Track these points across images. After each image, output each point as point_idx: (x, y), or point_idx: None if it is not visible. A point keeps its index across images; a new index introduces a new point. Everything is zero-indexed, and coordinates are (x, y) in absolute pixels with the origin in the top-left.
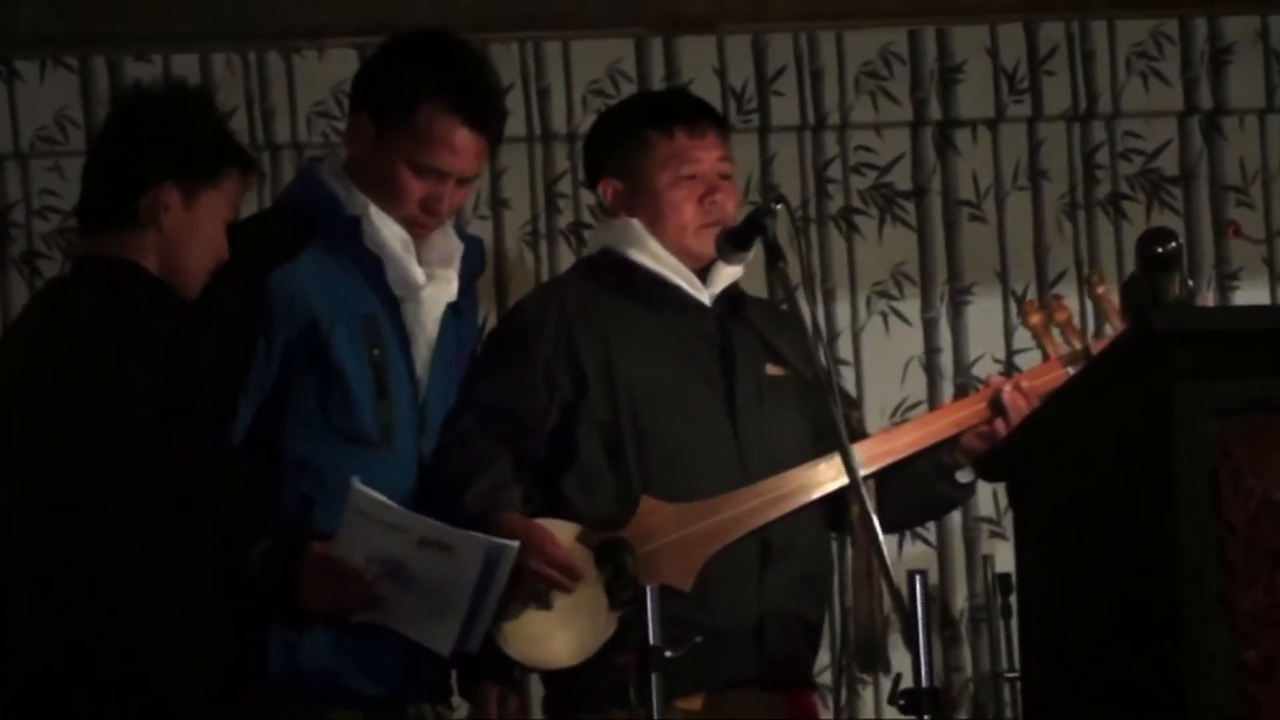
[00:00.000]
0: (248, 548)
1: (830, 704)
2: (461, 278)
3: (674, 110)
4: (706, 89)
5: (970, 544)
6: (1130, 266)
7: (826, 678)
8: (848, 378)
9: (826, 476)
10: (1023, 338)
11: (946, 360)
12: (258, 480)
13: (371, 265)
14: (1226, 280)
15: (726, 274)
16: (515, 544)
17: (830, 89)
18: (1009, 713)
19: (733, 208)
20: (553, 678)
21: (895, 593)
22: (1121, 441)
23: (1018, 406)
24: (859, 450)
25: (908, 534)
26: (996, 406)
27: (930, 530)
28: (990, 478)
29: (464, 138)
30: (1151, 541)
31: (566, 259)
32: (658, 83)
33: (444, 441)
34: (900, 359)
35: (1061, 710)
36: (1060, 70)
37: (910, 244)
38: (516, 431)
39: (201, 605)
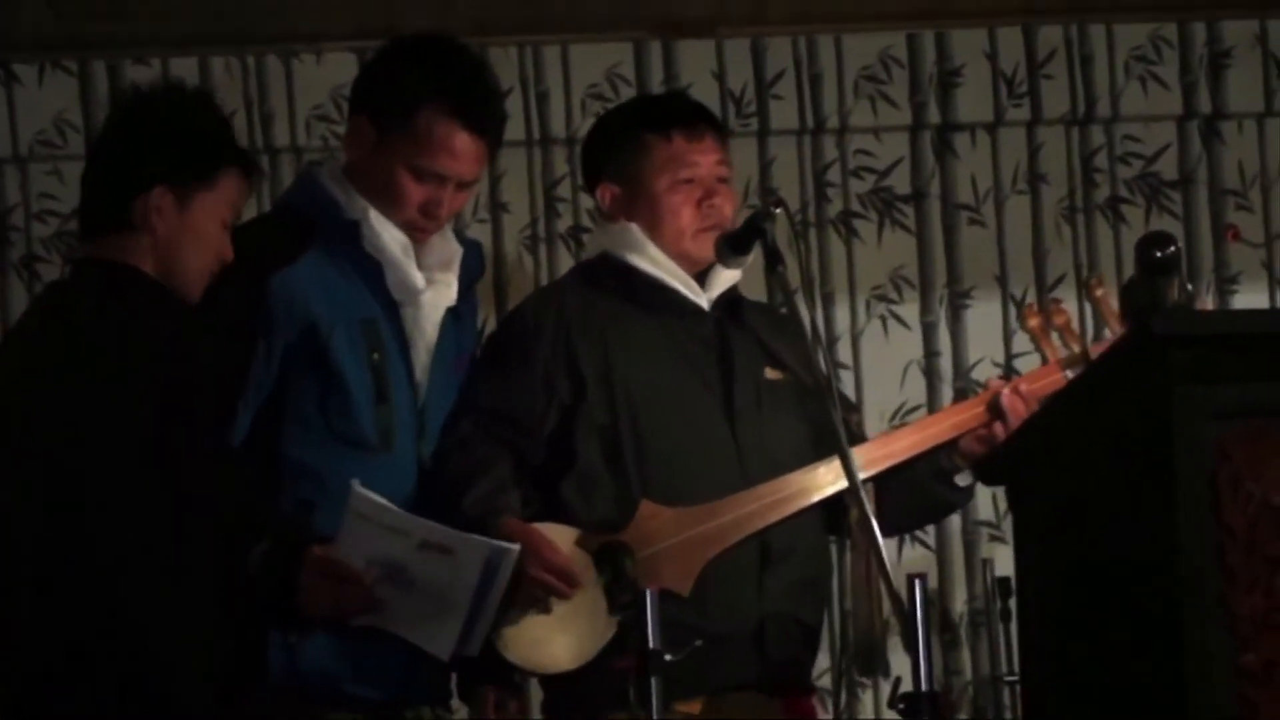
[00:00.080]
0: (247, 550)
1: (830, 707)
2: (461, 282)
3: (672, 114)
4: (705, 93)
5: (970, 547)
6: (1129, 270)
7: (826, 681)
8: (847, 381)
9: (825, 480)
10: (1022, 341)
11: (946, 364)
12: (257, 483)
13: (371, 269)
14: (1225, 284)
15: (725, 278)
16: (516, 547)
17: (829, 93)
18: (1009, 716)
19: (731, 211)
20: (552, 681)
21: (895, 596)
22: (1121, 445)
23: (1016, 410)
24: (858, 454)
25: (907, 537)
26: (995, 410)
27: (930, 534)
28: (990, 481)
29: (463, 142)
30: (1151, 545)
31: (565, 263)
32: (656, 86)
33: (443, 445)
34: (899, 363)
35: (1061, 714)
36: (1059, 74)
37: (909, 248)
38: (515, 435)
39: (201, 606)
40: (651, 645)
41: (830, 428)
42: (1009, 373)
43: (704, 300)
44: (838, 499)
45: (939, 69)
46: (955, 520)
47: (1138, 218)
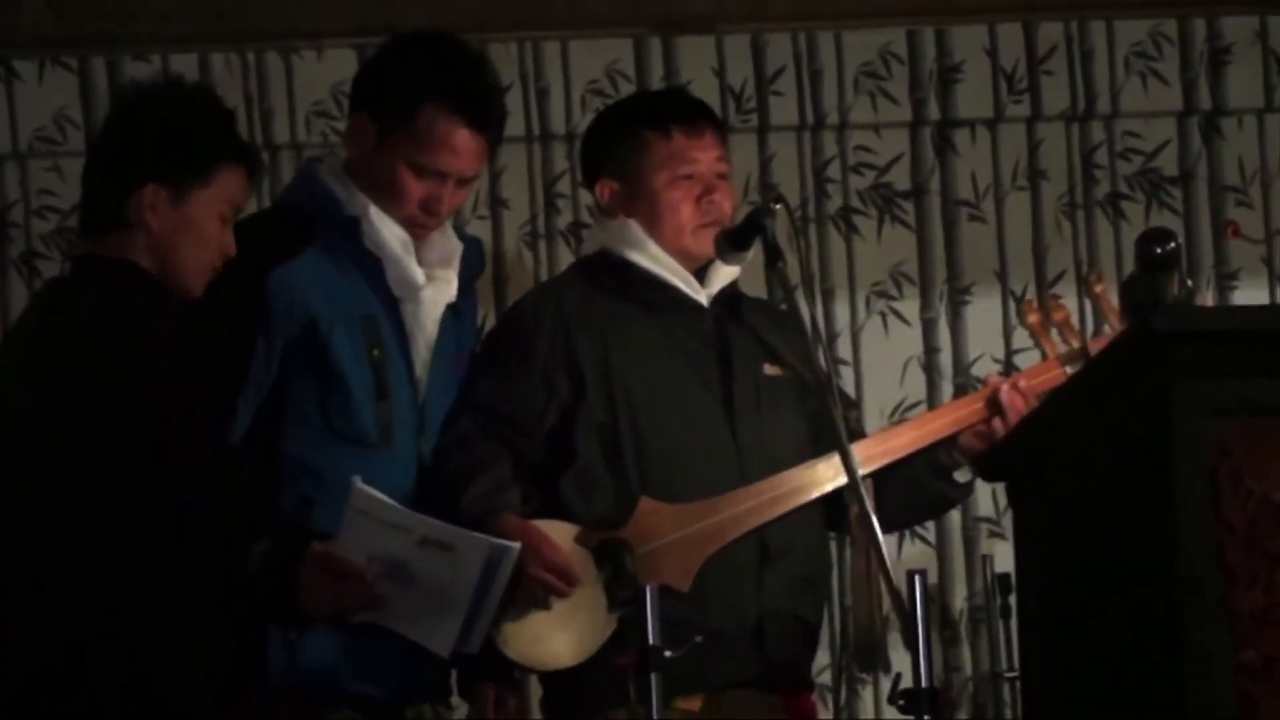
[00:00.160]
0: (247, 548)
1: (830, 704)
2: (461, 278)
3: (671, 110)
4: (705, 89)
5: (969, 544)
6: (1129, 266)
7: (826, 678)
8: (847, 378)
9: (824, 476)
10: (1022, 337)
11: (945, 360)
12: (257, 481)
13: (371, 266)
14: (1225, 280)
15: (724, 274)
16: (516, 545)
17: (829, 89)
18: (1008, 713)
19: (730, 208)
20: (552, 678)
21: (894, 593)
22: (1121, 442)
23: (1015, 406)
24: (857, 450)
25: (907, 534)
26: (994, 406)
27: (929, 530)
28: (989, 477)
29: (464, 139)
30: (1151, 542)
31: (565, 259)
32: (656, 83)
33: (442, 443)
34: (899, 359)
35: (1061, 710)
36: (1059, 70)
37: (909, 244)
38: (515, 433)
39: (201, 605)
40: (652, 642)
41: (830, 424)
42: (1009, 369)
43: (703, 297)
44: (837, 495)
45: (939, 65)
46: (955, 516)
47: (1138, 214)
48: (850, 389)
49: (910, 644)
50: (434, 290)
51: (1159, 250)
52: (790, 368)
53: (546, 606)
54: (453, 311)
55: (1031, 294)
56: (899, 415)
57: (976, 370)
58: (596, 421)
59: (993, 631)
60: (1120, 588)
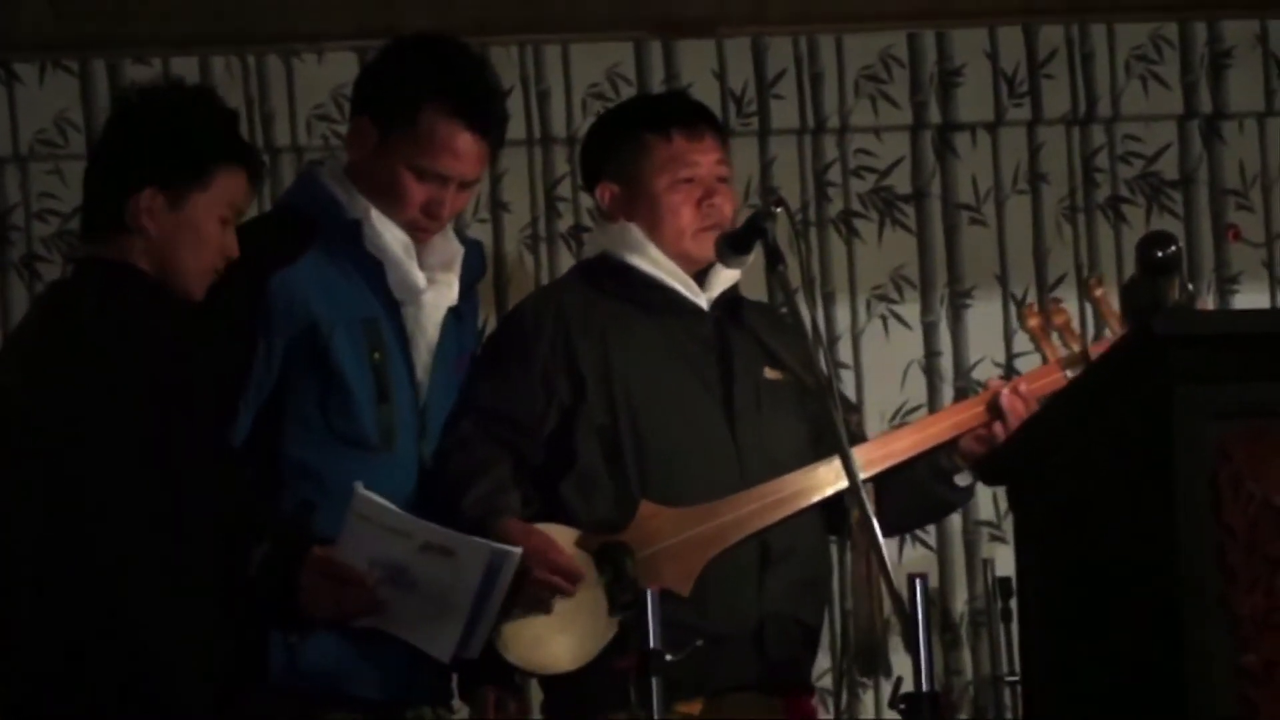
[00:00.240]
0: (248, 550)
1: (831, 707)
2: (462, 281)
3: (671, 113)
4: (706, 92)
5: (970, 547)
6: (1130, 270)
7: (827, 681)
8: (847, 381)
9: (825, 480)
10: (1023, 341)
11: (946, 363)
12: (258, 483)
13: (372, 269)
14: (1226, 284)
15: (724, 277)
16: (518, 550)
17: (830, 92)
18: (1009, 716)
19: (730, 211)
20: (552, 682)
21: (895, 596)
22: (1121, 445)
23: (1016, 410)
24: (857, 454)
25: (908, 537)
26: (995, 410)
27: (930, 534)
28: (990, 481)
29: (466, 142)
30: (1151, 545)
31: (566, 262)
32: (657, 86)
33: (443, 446)
34: (900, 362)
35: (1062, 714)
36: (1060, 74)
37: (910, 247)
38: (515, 435)
39: (201, 606)
40: (652, 645)
41: (831, 428)
42: (1010, 372)
43: (703, 300)
44: (838, 499)
45: (940, 68)
46: (956, 520)
47: (1138, 217)
48: (851, 392)
49: (911, 647)
50: (435, 293)
51: (1160, 254)
52: (790, 371)
53: (548, 610)
54: (454, 315)
55: (1032, 297)
56: (900, 419)
57: (977, 374)
58: (597, 424)
59: (993, 635)
60: (1121, 591)
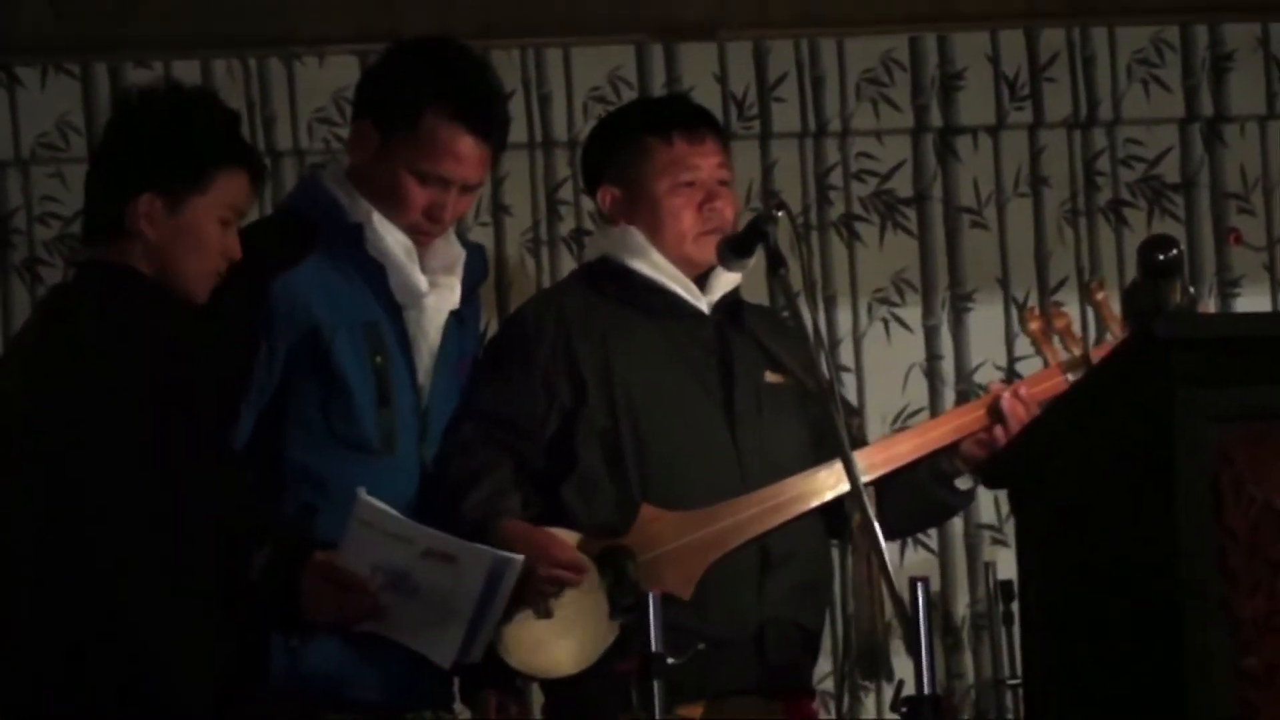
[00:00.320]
0: (250, 554)
1: (832, 711)
2: (464, 285)
3: (673, 117)
4: (707, 95)
5: (972, 551)
6: (1131, 273)
7: (828, 685)
8: (849, 385)
9: (826, 484)
10: (1024, 344)
11: (948, 367)
12: (260, 486)
13: (374, 272)
14: (1228, 287)
15: (725, 281)
16: (520, 558)
17: (831, 95)
18: (1011, 719)
19: (731, 215)
20: (553, 686)
21: (897, 599)
22: (1123, 448)
23: (1016, 414)
24: (859, 458)
25: (909, 541)
26: (996, 414)
27: (932, 537)
28: (992, 484)
29: (468, 146)
30: (1152, 548)
31: (568, 266)
32: (658, 89)
33: (444, 449)
34: (901, 366)
35: (1063, 717)
36: (1061, 77)
37: (911, 251)
38: (516, 439)
39: (201, 607)
40: (654, 648)
41: (832, 431)
42: (1011, 376)
43: (704, 304)
44: (838, 502)
45: (941, 72)
46: (957, 523)
47: (1140, 221)
48: (852, 396)
49: (912, 650)
50: (437, 297)
51: (1161, 257)
52: (792, 375)
53: (549, 614)
54: (456, 318)
55: (1034, 301)
56: (901, 422)
57: (979, 377)
58: (598, 427)
59: (995, 638)
60: (1122, 594)
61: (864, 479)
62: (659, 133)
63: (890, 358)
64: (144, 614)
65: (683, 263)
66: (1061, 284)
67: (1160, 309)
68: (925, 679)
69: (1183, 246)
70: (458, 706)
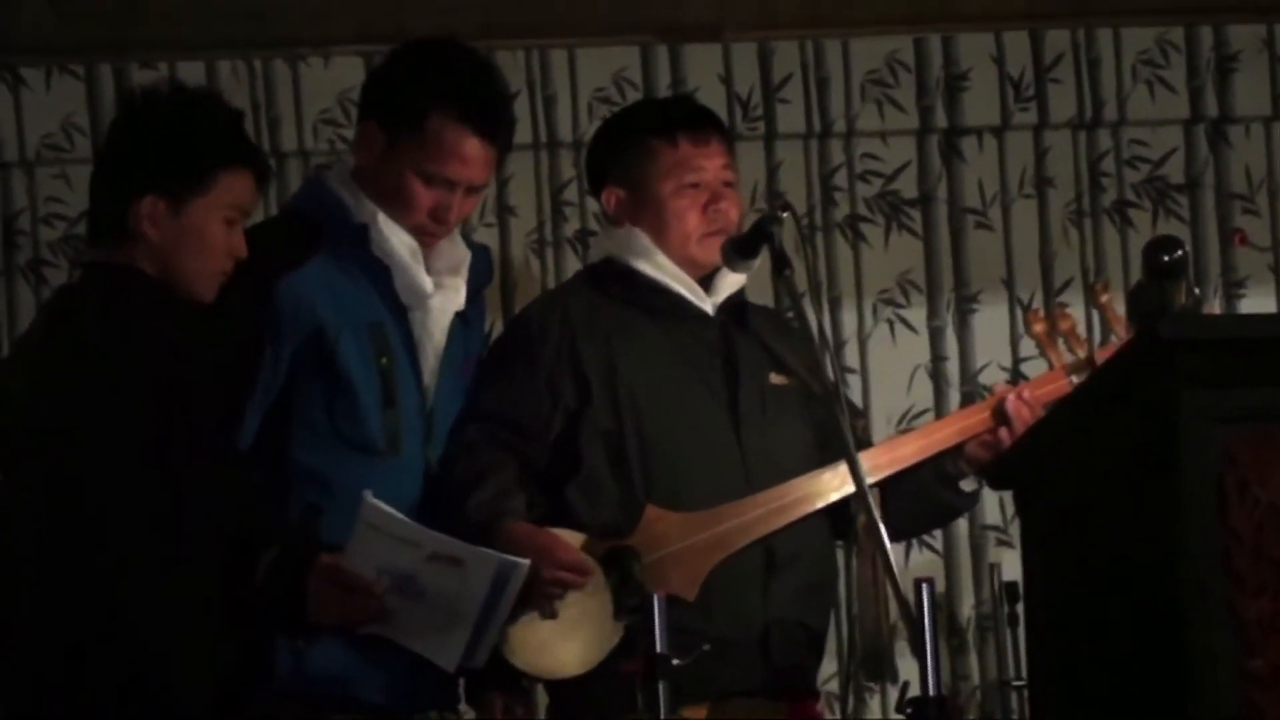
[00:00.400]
0: (255, 555)
1: (837, 712)
2: (469, 286)
3: (677, 118)
4: (712, 96)
5: (977, 552)
6: (1136, 274)
7: (833, 686)
8: (854, 386)
9: (831, 485)
10: (1029, 345)
11: (953, 368)
12: (265, 487)
13: (379, 273)
14: (1232, 288)
15: (730, 282)
16: (526, 563)
17: (836, 97)
18: None
19: (736, 216)
20: (558, 686)
21: (902, 601)
22: (1127, 449)
23: (1021, 416)
24: (864, 459)
25: (915, 542)
26: (1000, 416)
27: (937, 538)
28: (997, 485)
29: (473, 147)
30: (1157, 549)
31: (572, 267)
32: (663, 90)
33: (449, 450)
34: (906, 367)
35: (1068, 718)
36: (1066, 78)
37: (916, 252)
38: (520, 439)
39: (202, 606)
40: (659, 649)
41: (837, 433)
42: (1016, 377)
43: (709, 305)
44: (843, 503)
45: (946, 73)
46: (963, 525)
47: (1145, 222)
48: (857, 397)
49: (917, 652)
50: (442, 298)
51: (1166, 258)
52: (796, 376)
53: (555, 613)
54: (461, 319)
55: (1039, 302)
56: (906, 423)
57: (984, 378)
58: (602, 428)
59: (1000, 639)
60: (1127, 595)
61: (869, 480)
62: (664, 134)
63: (895, 359)
64: (144, 614)
65: (687, 264)
66: (1066, 285)
67: (1165, 310)
68: (930, 680)
69: (1187, 248)
70: (463, 708)
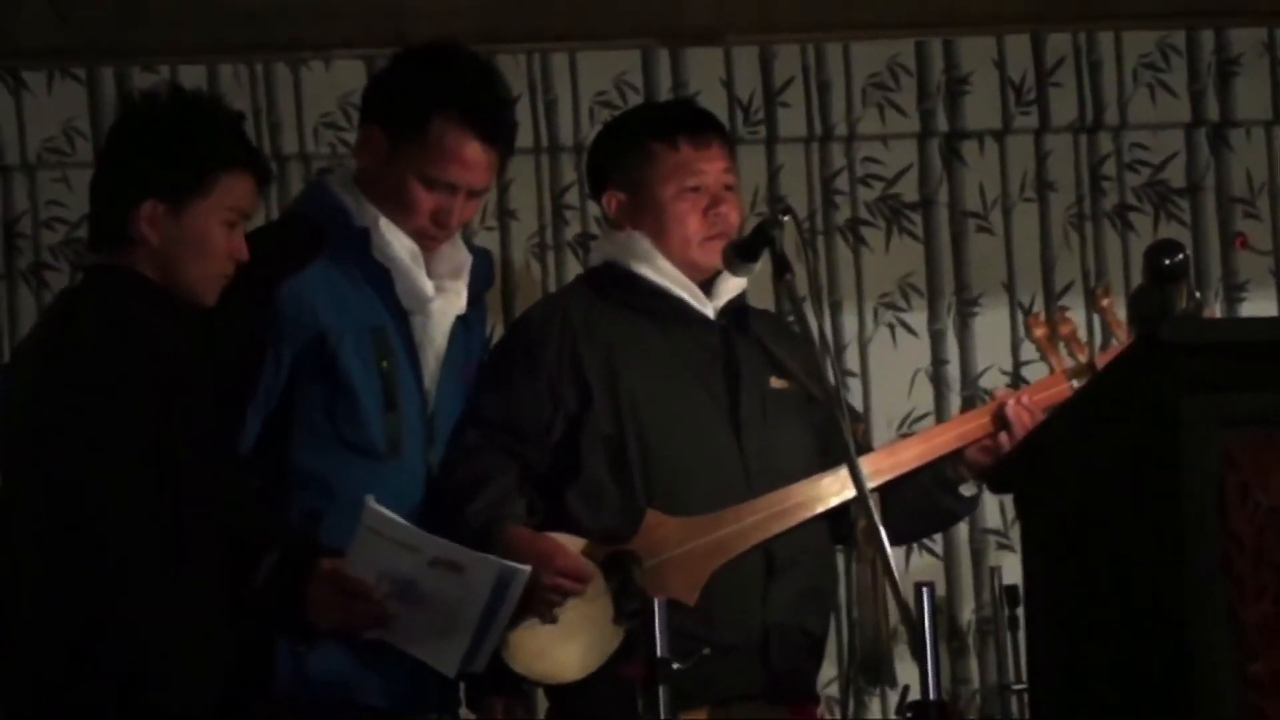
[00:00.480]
0: (255, 558)
1: (837, 716)
2: (470, 290)
3: (678, 121)
4: (713, 100)
5: (977, 556)
6: (1137, 278)
7: (833, 690)
8: (855, 389)
9: (831, 490)
10: (1030, 349)
11: (953, 372)
12: (266, 490)
13: (380, 277)
14: (1233, 292)
15: (730, 286)
16: (527, 568)
17: (837, 100)
18: None
19: (737, 219)
20: (558, 691)
21: (902, 605)
22: (1128, 453)
23: (1021, 421)
24: (864, 464)
25: (915, 546)
26: (1001, 420)
27: (937, 542)
28: (997, 489)
29: (475, 151)
30: (1158, 553)
31: (573, 270)
32: (664, 94)
33: (449, 455)
34: (907, 370)
35: None
36: (1067, 82)
37: (917, 255)
38: (520, 444)
39: (202, 608)
40: (660, 653)
41: (837, 437)
42: (1017, 381)
43: (710, 309)
44: (843, 508)
45: (947, 77)
46: (963, 528)
47: (1146, 225)
48: (858, 400)
49: (918, 656)
50: (443, 302)
51: (1167, 262)
52: (797, 380)
53: (555, 618)
54: (462, 323)
55: (1039, 305)
56: (907, 427)
57: (984, 382)
58: (602, 433)
59: (1000, 643)
60: (1127, 599)
61: (869, 485)
62: (664, 138)
63: (895, 363)
64: (144, 614)
65: (688, 268)
66: (1067, 289)
67: (1166, 314)
68: (930, 684)
69: (1188, 251)
70: (464, 712)
